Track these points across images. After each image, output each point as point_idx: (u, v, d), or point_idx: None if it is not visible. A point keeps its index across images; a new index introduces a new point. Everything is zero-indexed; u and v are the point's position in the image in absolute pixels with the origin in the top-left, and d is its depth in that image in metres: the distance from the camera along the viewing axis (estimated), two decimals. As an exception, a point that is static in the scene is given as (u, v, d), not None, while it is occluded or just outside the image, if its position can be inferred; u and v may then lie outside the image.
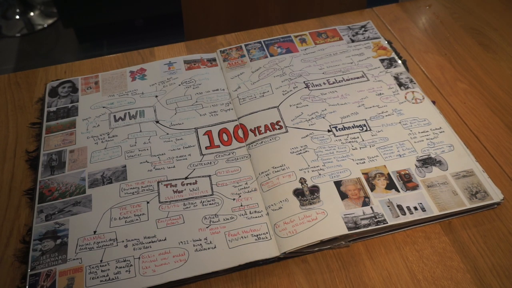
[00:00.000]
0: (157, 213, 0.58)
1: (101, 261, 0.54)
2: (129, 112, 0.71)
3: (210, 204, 0.59)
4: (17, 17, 2.24)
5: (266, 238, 0.56)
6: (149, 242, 0.55)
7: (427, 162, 0.62)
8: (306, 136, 0.66)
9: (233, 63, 0.79)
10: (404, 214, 0.57)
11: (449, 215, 0.58)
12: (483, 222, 0.58)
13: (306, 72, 0.76)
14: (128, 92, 0.74)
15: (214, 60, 0.80)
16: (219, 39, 0.86)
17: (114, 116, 0.71)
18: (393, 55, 0.79)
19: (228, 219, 0.58)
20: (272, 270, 0.54)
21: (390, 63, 0.77)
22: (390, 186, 0.60)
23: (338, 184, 0.60)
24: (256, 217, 0.58)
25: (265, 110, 0.70)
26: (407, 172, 0.61)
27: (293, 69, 0.76)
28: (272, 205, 0.59)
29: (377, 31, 0.84)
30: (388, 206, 0.57)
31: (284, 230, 0.56)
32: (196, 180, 0.62)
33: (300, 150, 0.64)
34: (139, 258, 0.54)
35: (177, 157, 0.65)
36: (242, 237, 0.56)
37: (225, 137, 0.67)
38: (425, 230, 0.57)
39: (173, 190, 0.61)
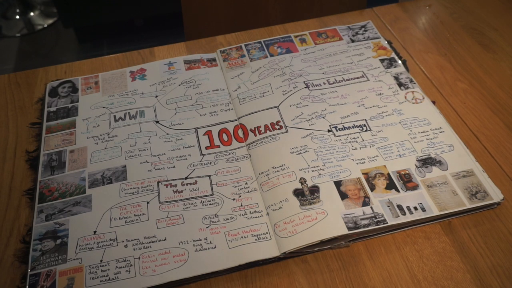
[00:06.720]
0: (157, 213, 0.58)
1: (101, 261, 0.54)
2: (129, 112, 0.71)
3: (210, 204, 0.59)
4: (17, 17, 2.24)
5: (266, 238, 0.56)
6: (149, 242, 0.55)
7: (427, 162, 0.62)
8: (306, 136, 0.66)
9: (233, 63, 0.79)
10: (404, 214, 0.57)
11: (449, 215, 0.58)
12: (483, 222, 0.58)
13: (306, 72, 0.76)
14: (128, 92, 0.74)
15: (214, 60, 0.80)
16: (219, 39, 0.86)
17: (114, 116, 0.71)
18: (393, 55, 0.79)
19: (228, 219, 0.58)
20: (272, 270, 0.54)
21: (390, 63, 0.77)
22: (390, 186, 0.60)
23: (338, 184, 0.60)
24: (256, 217, 0.58)
25: (265, 110, 0.70)
26: (407, 172, 0.61)
27: (293, 69, 0.76)
28: (272, 205, 0.59)
29: (377, 31, 0.84)
30: (388, 206, 0.57)
31: (284, 230, 0.56)
32: (196, 180, 0.62)
33: (300, 150, 0.64)
34: (139, 258, 0.54)
35: (177, 157, 0.65)
36: (242, 237, 0.56)
37: (225, 137, 0.67)
38: (425, 230, 0.57)
39: (173, 190, 0.61)
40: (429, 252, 0.55)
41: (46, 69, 0.80)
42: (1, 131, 0.70)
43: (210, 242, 0.55)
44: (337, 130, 0.67)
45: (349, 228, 0.55)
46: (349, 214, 0.57)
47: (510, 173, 0.63)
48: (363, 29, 0.84)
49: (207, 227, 0.57)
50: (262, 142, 0.66)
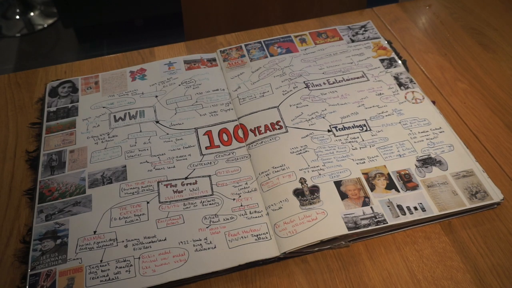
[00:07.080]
0: (157, 213, 0.58)
1: (101, 261, 0.54)
2: (129, 112, 0.71)
3: (210, 204, 0.59)
4: (17, 17, 2.24)
5: (266, 238, 0.56)
6: (149, 242, 0.55)
7: (427, 162, 0.62)
8: (306, 136, 0.66)
9: (233, 63, 0.79)
10: (404, 214, 0.57)
11: (449, 215, 0.58)
12: (483, 222, 0.58)
13: (306, 72, 0.76)
14: (128, 92, 0.74)
15: (214, 60, 0.80)
16: (219, 39, 0.86)
17: (114, 116, 0.71)
18: (393, 55, 0.79)
19: (228, 219, 0.58)
20: (272, 270, 0.54)
21: (390, 63, 0.77)
22: (390, 186, 0.60)
23: (338, 184, 0.60)
24: (256, 217, 0.58)
25: (265, 110, 0.70)
26: (407, 172, 0.61)
27: (293, 69, 0.76)
28: (272, 205, 0.59)
29: (377, 31, 0.84)
30: (388, 206, 0.57)
31: (284, 230, 0.56)
32: (196, 180, 0.62)
33: (300, 150, 0.64)
34: (139, 258, 0.54)
35: (177, 157, 0.65)
36: (242, 237, 0.56)
37: (225, 137, 0.67)
38: (425, 230, 0.57)
39: (173, 190, 0.61)
40: (429, 252, 0.55)
41: (46, 69, 0.80)
42: (1, 131, 0.70)
43: (210, 242, 0.55)
44: (337, 130, 0.67)
45: (349, 228, 0.55)
46: (349, 214, 0.57)
47: (510, 173, 0.63)
48: (363, 29, 0.84)
49: (207, 227, 0.57)
50: (262, 142, 0.66)
